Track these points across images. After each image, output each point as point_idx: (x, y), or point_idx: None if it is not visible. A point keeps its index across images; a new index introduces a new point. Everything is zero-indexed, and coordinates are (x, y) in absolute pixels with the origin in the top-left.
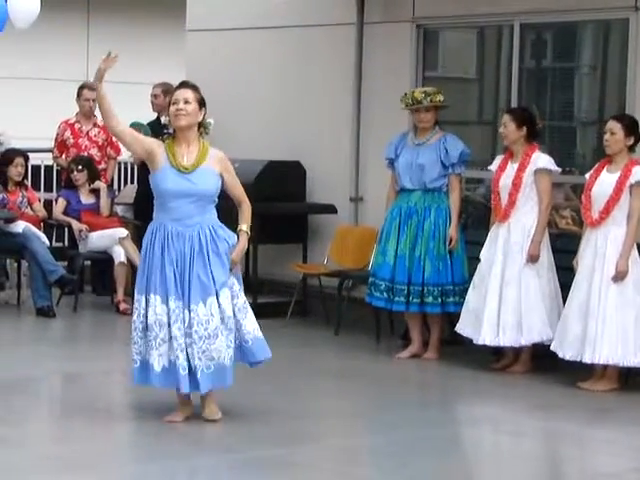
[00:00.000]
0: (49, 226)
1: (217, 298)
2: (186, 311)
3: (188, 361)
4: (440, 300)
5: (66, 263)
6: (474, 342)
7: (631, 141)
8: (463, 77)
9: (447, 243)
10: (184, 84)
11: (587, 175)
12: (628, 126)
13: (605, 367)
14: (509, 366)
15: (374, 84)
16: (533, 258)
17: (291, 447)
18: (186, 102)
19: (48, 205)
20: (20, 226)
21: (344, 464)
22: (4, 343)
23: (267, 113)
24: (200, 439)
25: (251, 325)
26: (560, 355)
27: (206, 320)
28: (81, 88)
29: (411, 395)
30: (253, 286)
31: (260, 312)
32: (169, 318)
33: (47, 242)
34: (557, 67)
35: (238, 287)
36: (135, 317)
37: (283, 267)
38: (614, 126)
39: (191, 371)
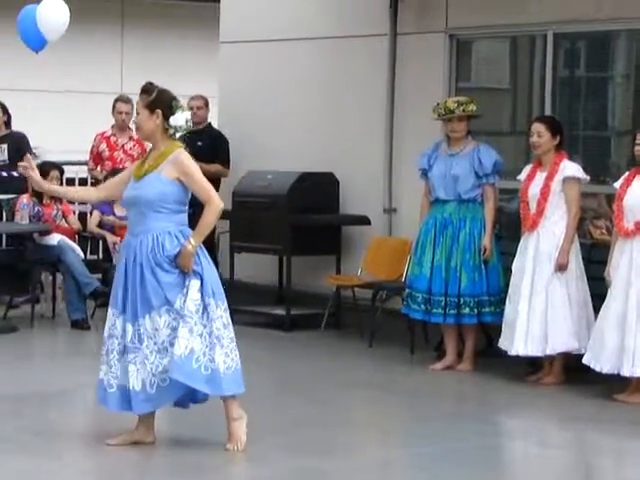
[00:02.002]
0: (84, 239)
1: (154, 313)
2: (129, 325)
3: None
4: (476, 311)
5: (100, 275)
6: (508, 353)
7: None
8: (496, 87)
9: (483, 253)
10: (142, 90)
11: (617, 184)
12: None
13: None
14: (543, 378)
15: (407, 95)
16: (562, 267)
17: (325, 458)
18: (138, 113)
19: (83, 218)
20: (55, 239)
21: (377, 476)
22: (39, 356)
23: (300, 124)
24: (235, 453)
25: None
26: (597, 369)
27: (154, 334)
28: (116, 101)
29: (445, 407)
30: (287, 298)
31: (294, 324)
32: (118, 332)
33: (82, 254)
34: (590, 76)
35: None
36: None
37: (316, 279)
38: None
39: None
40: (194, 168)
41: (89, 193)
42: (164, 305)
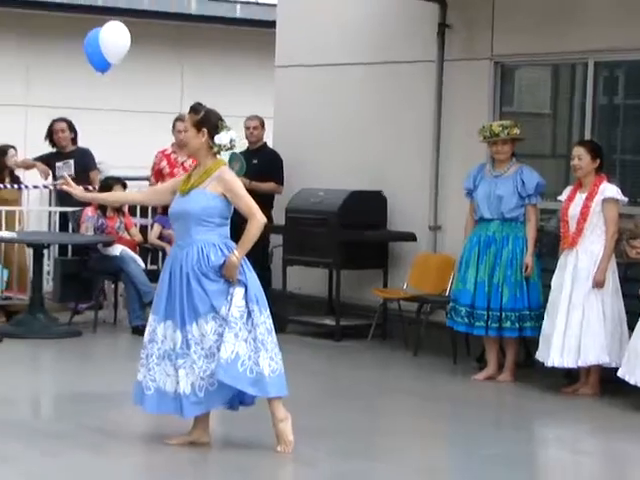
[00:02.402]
0: (144, 250)
1: (201, 320)
2: (178, 332)
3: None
4: (517, 325)
5: None
6: (545, 365)
7: None
8: (538, 112)
9: (524, 270)
10: (191, 109)
11: None
12: None
13: None
14: (579, 389)
15: (453, 118)
16: (599, 284)
17: (370, 462)
18: (184, 130)
19: (143, 230)
20: (117, 249)
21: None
22: (101, 359)
23: (351, 145)
24: (285, 454)
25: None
26: (631, 382)
27: (201, 340)
28: (175, 120)
29: (485, 415)
30: (336, 309)
31: (343, 334)
32: (158, 338)
33: (142, 265)
34: (629, 103)
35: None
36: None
37: (364, 291)
38: None
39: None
40: (238, 185)
41: (127, 197)
42: (210, 312)
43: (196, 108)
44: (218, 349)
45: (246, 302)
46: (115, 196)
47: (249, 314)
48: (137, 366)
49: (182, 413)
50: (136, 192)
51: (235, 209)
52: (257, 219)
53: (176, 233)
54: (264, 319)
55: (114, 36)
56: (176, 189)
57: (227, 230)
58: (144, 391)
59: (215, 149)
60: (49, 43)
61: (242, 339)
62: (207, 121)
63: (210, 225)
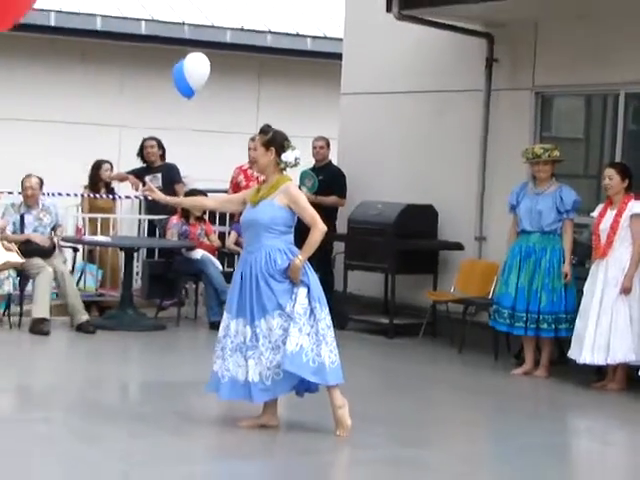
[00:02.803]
0: (222, 254)
1: (268, 316)
2: (248, 327)
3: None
4: (553, 326)
5: None
6: (577, 362)
7: None
8: (573, 137)
9: (564, 278)
10: (261, 131)
11: None
12: None
13: None
14: (607, 384)
15: (498, 141)
16: (626, 290)
17: (419, 449)
18: (255, 149)
19: (222, 236)
20: (199, 253)
21: (465, 467)
22: (182, 350)
23: (407, 164)
24: (344, 438)
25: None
26: None
27: (268, 334)
28: (250, 140)
29: (523, 408)
30: (390, 309)
31: (396, 332)
32: (231, 333)
33: (220, 267)
34: None
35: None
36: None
37: (416, 294)
38: None
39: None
40: (302, 198)
41: (203, 202)
42: (277, 309)
43: (265, 129)
44: (283, 342)
45: (309, 300)
46: (193, 200)
47: (311, 311)
48: (213, 358)
49: (251, 399)
50: (212, 199)
51: (299, 219)
52: (319, 228)
53: (246, 239)
54: (324, 316)
55: (196, 66)
56: (246, 200)
57: (291, 237)
58: (219, 380)
59: (282, 166)
60: (141, 71)
61: (305, 333)
62: (274, 141)
63: (276, 232)
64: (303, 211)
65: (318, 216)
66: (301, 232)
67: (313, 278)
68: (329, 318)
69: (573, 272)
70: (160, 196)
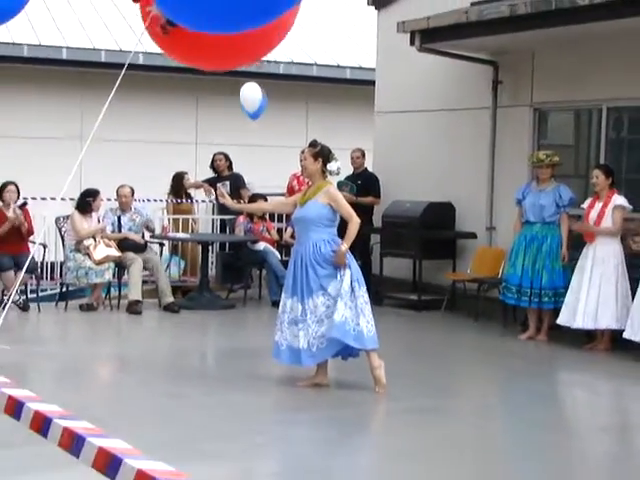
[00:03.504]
0: (280, 246)
1: (314, 296)
2: (299, 304)
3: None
4: (553, 299)
5: None
6: (571, 327)
7: None
8: (565, 144)
9: (562, 260)
10: (310, 144)
11: None
12: None
13: None
14: (596, 346)
15: (503, 149)
16: (589, 236)
17: (440, 400)
18: (304, 159)
19: (280, 231)
20: (261, 246)
21: (480, 415)
22: (250, 325)
23: (430, 170)
24: (381, 393)
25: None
26: (635, 339)
27: (314, 310)
28: (301, 152)
29: (528, 365)
30: (418, 288)
31: (423, 306)
32: (288, 309)
33: (279, 256)
34: (632, 137)
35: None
36: None
37: (439, 275)
38: None
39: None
40: (340, 197)
41: (261, 207)
42: (320, 290)
43: (314, 144)
44: (327, 317)
45: (350, 281)
46: (254, 205)
47: (352, 290)
48: (275, 330)
49: (301, 363)
50: (269, 204)
51: (341, 217)
52: (354, 221)
53: (297, 233)
54: (362, 293)
55: (252, 93)
56: (296, 202)
57: (334, 230)
58: (279, 347)
59: (327, 173)
60: (213, 100)
61: (348, 307)
62: (322, 153)
63: (321, 226)
64: (341, 208)
65: (353, 211)
66: (341, 227)
67: (353, 263)
68: (367, 295)
69: (570, 254)
70: (229, 202)
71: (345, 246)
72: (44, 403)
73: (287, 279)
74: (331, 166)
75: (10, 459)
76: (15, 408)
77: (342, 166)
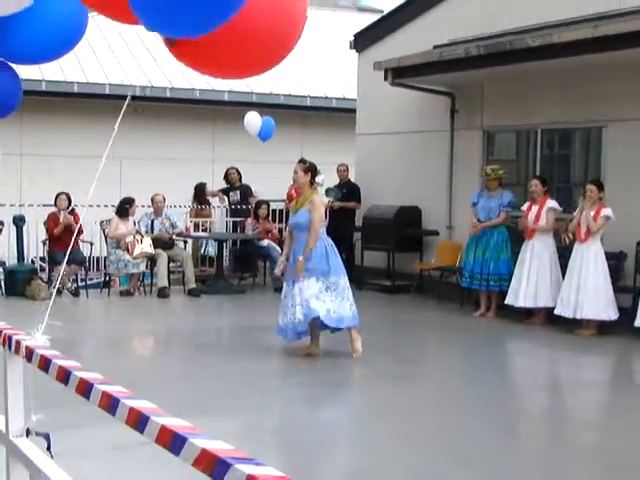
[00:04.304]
0: (281, 242)
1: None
2: (289, 290)
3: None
4: (499, 283)
5: None
6: (514, 306)
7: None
8: (509, 159)
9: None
10: (299, 162)
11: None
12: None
13: (588, 321)
14: (535, 321)
15: (459, 164)
16: (530, 232)
17: (409, 365)
18: (296, 173)
19: (280, 231)
20: (265, 242)
21: (443, 377)
22: (257, 307)
23: (401, 180)
24: (358, 360)
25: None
26: (565, 315)
27: (298, 295)
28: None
29: (480, 337)
30: (392, 275)
31: (396, 290)
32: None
33: (280, 251)
34: (561, 153)
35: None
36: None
37: (408, 264)
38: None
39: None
40: (318, 208)
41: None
42: (304, 280)
43: (304, 161)
44: (307, 301)
45: (335, 275)
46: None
47: (336, 281)
48: (278, 312)
49: (287, 338)
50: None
51: (330, 218)
52: (315, 231)
53: (295, 235)
54: (344, 282)
55: (254, 120)
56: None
57: (323, 229)
58: (281, 326)
59: (315, 185)
60: (227, 125)
61: (332, 298)
62: (310, 168)
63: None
64: (313, 217)
65: (319, 223)
66: (329, 228)
67: (338, 260)
68: (348, 284)
69: (511, 248)
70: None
71: (301, 258)
72: (87, 371)
73: (286, 271)
74: (317, 178)
75: (62, 416)
76: (64, 376)
77: (326, 178)
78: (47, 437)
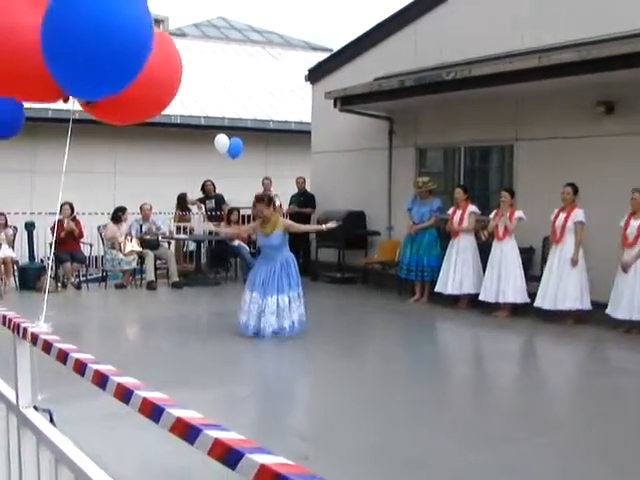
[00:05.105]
0: (249, 242)
1: (278, 296)
2: (262, 299)
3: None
4: (431, 274)
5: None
6: (444, 293)
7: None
8: (437, 171)
9: (409, 230)
10: (258, 199)
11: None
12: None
13: (504, 304)
14: (457, 307)
15: (397, 175)
16: (457, 233)
17: (355, 343)
18: (262, 212)
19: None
20: (236, 242)
21: (381, 352)
22: (229, 296)
23: (349, 190)
24: (296, 339)
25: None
26: (487, 300)
27: (273, 305)
28: (263, 179)
29: (414, 319)
30: (342, 268)
31: (345, 280)
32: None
33: (248, 249)
34: (480, 167)
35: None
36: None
37: (356, 259)
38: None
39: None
40: (290, 223)
41: (237, 231)
42: (284, 291)
43: (261, 198)
44: (282, 309)
45: (291, 287)
46: (235, 229)
47: (299, 294)
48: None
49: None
50: (242, 229)
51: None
52: (303, 228)
53: (266, 254)
54: (298, 294)
55: (222, 140)
56: (256, 229)
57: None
58: (245, 323)
59: (276, 209)
60: (205, 145)
61: (288, 308)
62: (269, 202)
63: (284, 247)
64: (297, 229)
65: (298, 227)
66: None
67: (295, 272)
68: (300, 290)
69: (440, 244)
70: (222, 230)
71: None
72: (82, 353)
73: (255, 279)
74: (276, 203)
75: (63, 391)
76: (63, 357)
77: (286, 188)
78: (50, 413)
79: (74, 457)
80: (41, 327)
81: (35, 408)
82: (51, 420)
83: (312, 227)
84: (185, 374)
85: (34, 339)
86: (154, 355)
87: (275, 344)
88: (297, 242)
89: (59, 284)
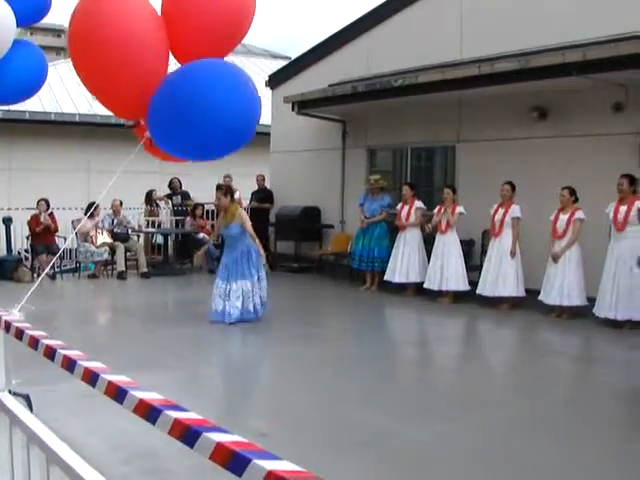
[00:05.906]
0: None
1: (240, 281)
2: (227, 285)
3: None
4: (381, 265)
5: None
6: (392, 282)
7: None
8: (387, 170)
9: (361, 223)
10: (217, 188)
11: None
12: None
13: (447, 292)
14: (405, 295)
15: (349, 173)
16: (403, 227)
17: (315, 328)
18: (219, 199)
19: (212, 226)
20: (201, 235)
21: (336, 336)
22: (194, 285)
23: (304, 187)
24: (257, 324)
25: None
26: (432, 288)
27: (238, 290)
28: (221, 180)
29: (365, 305)
30: (299, 259)
31: (301, 270)
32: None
33: (212, 242)
34: (425, 165)
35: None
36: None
37: (311, 250)
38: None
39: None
40: (246, 219)
41: (216, 232)
42: (246, 277)
43: (220, 187)
44: (243, 295)
45: (251, 273)
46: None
47: (259, 278)
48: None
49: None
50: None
51: (250, 216)
52: (254, 236)
53: (229, 243)
54: (262, 281)
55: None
56: (219, 222)
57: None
58: (215, 308)
59: (234, 200)
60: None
61: (251, 292)
62: (228, 191)
63: (243, 237)
64: (246, 228)
65: (251, 228)
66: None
67: (259, 262)
68: (264, 282)
69: (390, 237)
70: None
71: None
72: (52, 339)
73: (221, 267)
74: (235, 196)
75: (37, 374)
76: (34, 343)
77: (248, 185)
78: (27, 397)
79: (45, 438)
80: (14, 315)
81: (9, 392)
82: (29, 404)
83: (257, 241)
84: (154, 357)
85: (7, 326)
86: (125, 340)
87: (239, 329)
88: (257, 234)
89: (35, 275)
